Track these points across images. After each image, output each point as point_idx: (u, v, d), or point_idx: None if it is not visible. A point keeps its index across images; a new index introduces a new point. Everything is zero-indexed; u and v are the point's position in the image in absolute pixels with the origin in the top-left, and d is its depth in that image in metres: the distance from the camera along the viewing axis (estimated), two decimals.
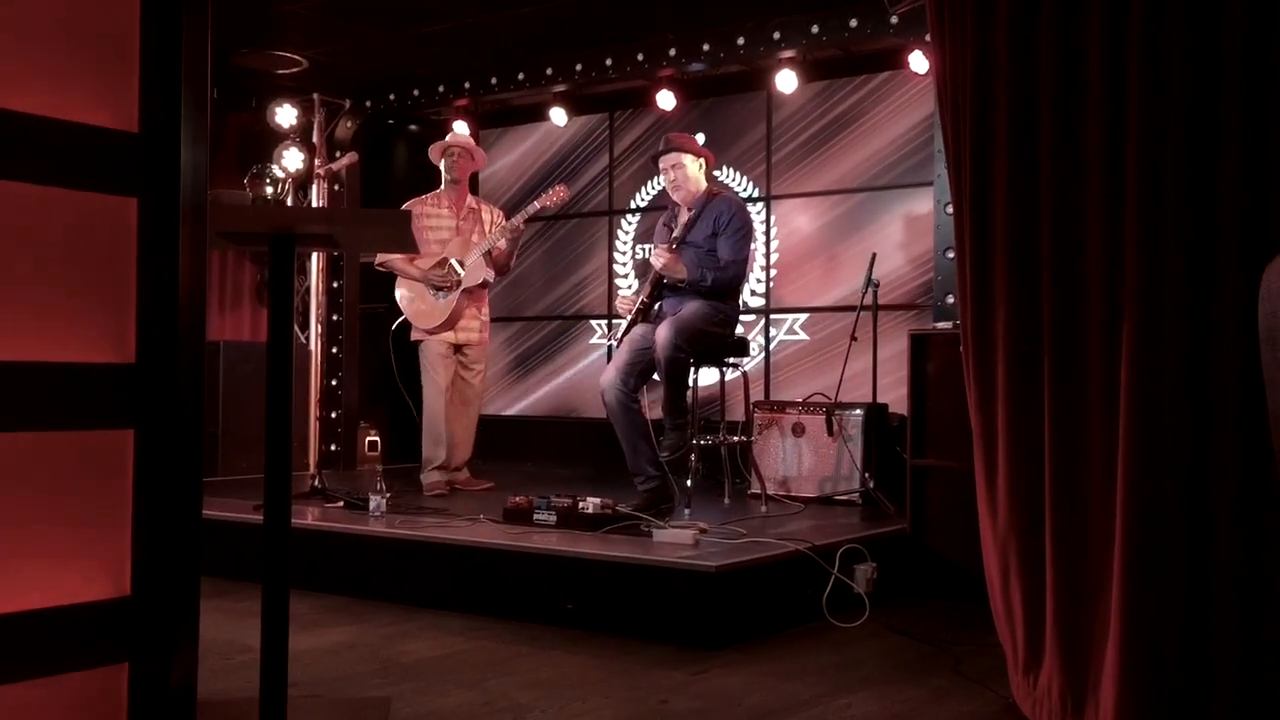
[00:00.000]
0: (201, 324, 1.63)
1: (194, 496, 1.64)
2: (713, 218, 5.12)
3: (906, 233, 6.65)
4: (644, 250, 7.23)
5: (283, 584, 2.48)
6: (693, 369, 5.11)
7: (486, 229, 6.00)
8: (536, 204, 5.78)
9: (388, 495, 5.02)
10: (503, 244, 5.84)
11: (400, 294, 5.92)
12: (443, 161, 6.04)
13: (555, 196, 5.80)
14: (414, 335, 5.94)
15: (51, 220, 1.49)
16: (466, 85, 7.26)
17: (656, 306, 5.18)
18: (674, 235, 5.14)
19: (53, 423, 1.50)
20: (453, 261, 5.81)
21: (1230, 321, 2.45)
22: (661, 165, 5.31)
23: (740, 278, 5.21)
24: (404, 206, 5.93)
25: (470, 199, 6.10)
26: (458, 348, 5.94)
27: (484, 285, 5.93)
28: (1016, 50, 2.88)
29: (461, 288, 5.80)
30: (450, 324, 5.83)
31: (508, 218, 6.05)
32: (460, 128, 7.20)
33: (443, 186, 6.05)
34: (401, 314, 5.95)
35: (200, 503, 1.65)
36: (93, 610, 1.53)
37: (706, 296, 5.05)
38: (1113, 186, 2.67)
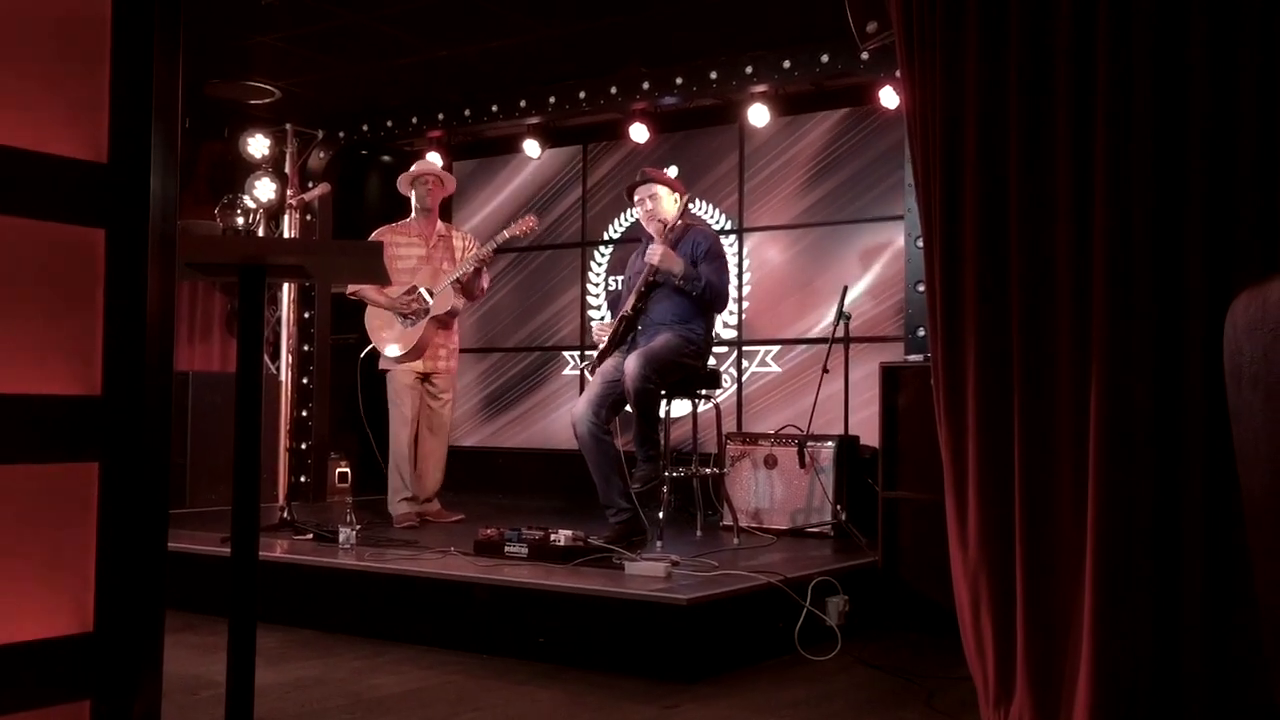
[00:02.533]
0: (169, 356, 1.62)
1: (159, 530, 1.61)
2: (689, 247, 5.15)
3: (878, 265, 6.69)
4: (616, 282, 7.23)
5: (250, 618, 2.45)
6: (664, 401, 5.12)
7: (457, 255, 6.00)
8: (506, 233, 5.78)
9: (357, 527, 4.98)
10: (471, 272, 5.84)
11: (368, 322, 5.90)
12: (414, 191, 6.03)
13: (524, 226, 5.80)
14: (381, 364, 5.91)
15: (16, 251, 1.48)
16: (440, 116, 7.27)
17: (630, 337, 5.17)
18: (658, 240, 5.09)
19: (15, 456, 1.47)
20: (421, 290, 5.79)
21: (1198, 360, 2.49)
22: (637, 196, 5.34)
23: (725, 298, 5.24)
24: (373, 235, 5.92)
25: (440, 226, 6.09)
26: (425, 377, 5.91)
27: (452, 314, 5.91)
28: (985, 88, 2.91)
29: (429, 316, 5.78)
30: (417, 353, 5.81)
31: (481, 244, 6.05)
32: (433, 159, 7.21)
33: (413, 214, 6.05)
34: (370, 342, 5.93)
35: (166, 537, 1.63)
36: (54, 646, 1.50)
37: (699, 306, 5.08)
38: (1081, 225, 2.70)
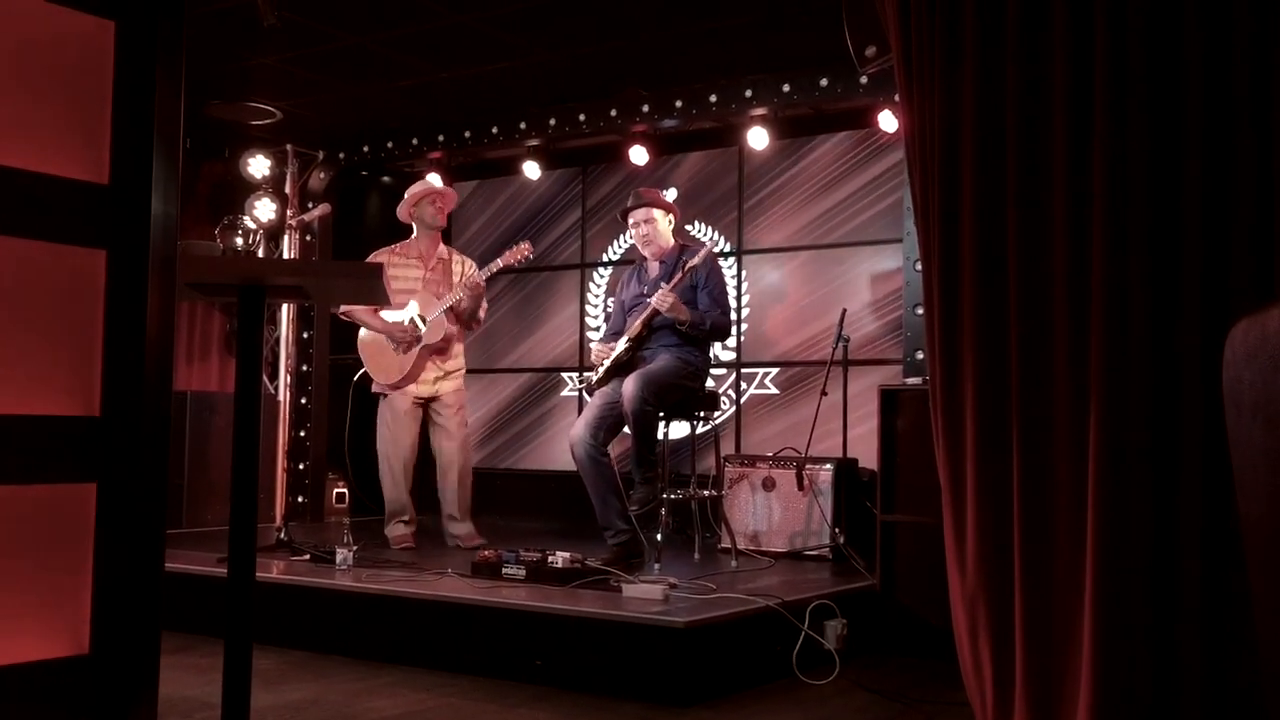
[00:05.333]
0: (168, 377, 1.62)
1: (156, 552, 1.61)
2: (689, 275, 5.14)
3: (877, 288, 6.70)
4: (613, 302, 7.24)
5: (246, 639, 2.44)
6: (662, 423, 5.11)
7: (456, 280, 5.92)
8: (500, 261, 5.69)
9: (354, 548, 4.96)
10: (464, 300, 5.73)
11: (361, 346, 5.86)
12: (424, 211, 5.89)
13: (519, 254, 5.72)
14: (375, 388, 5.86)
15: (17, 271, 1.48)
16: (440, 138, 7.29)
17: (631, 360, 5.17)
18: (668, 285, 5.06)
19: (14, 477, 1.47)
20: (415, 316, 5.74)
21: (1195, 383, 2.49)
22: (631, 220, 5.33)
23: (728, 332, 5.27)
24: (371, 256, 5.89)
25: (442, 249, 6.00)
26: (427, 402, 5.85)
27: (445, 341, 5.77)
28: (982, 112, 2.93)
29: (421, 344, 5.71)
30: (410, 379, 5.73)
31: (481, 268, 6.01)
32: (434, 180, 7.22)
33: (414, 235, 5.96)
34: (363, 366, 5.89)
35: (162, 558, 1.63)
36: (50, 669, 1.50)
37: (700, 340, 5.09)
38: (1078, 249, 2.71)
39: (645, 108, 6.58)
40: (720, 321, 5.10)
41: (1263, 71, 2.51)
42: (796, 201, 7.03)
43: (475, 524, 5.91)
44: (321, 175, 7.70)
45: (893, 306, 6.46)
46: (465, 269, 5.99)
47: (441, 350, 5.83)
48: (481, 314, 5.97)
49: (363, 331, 5.85)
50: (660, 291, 5.01)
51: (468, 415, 6.13)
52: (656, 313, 5.04)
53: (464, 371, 6.04)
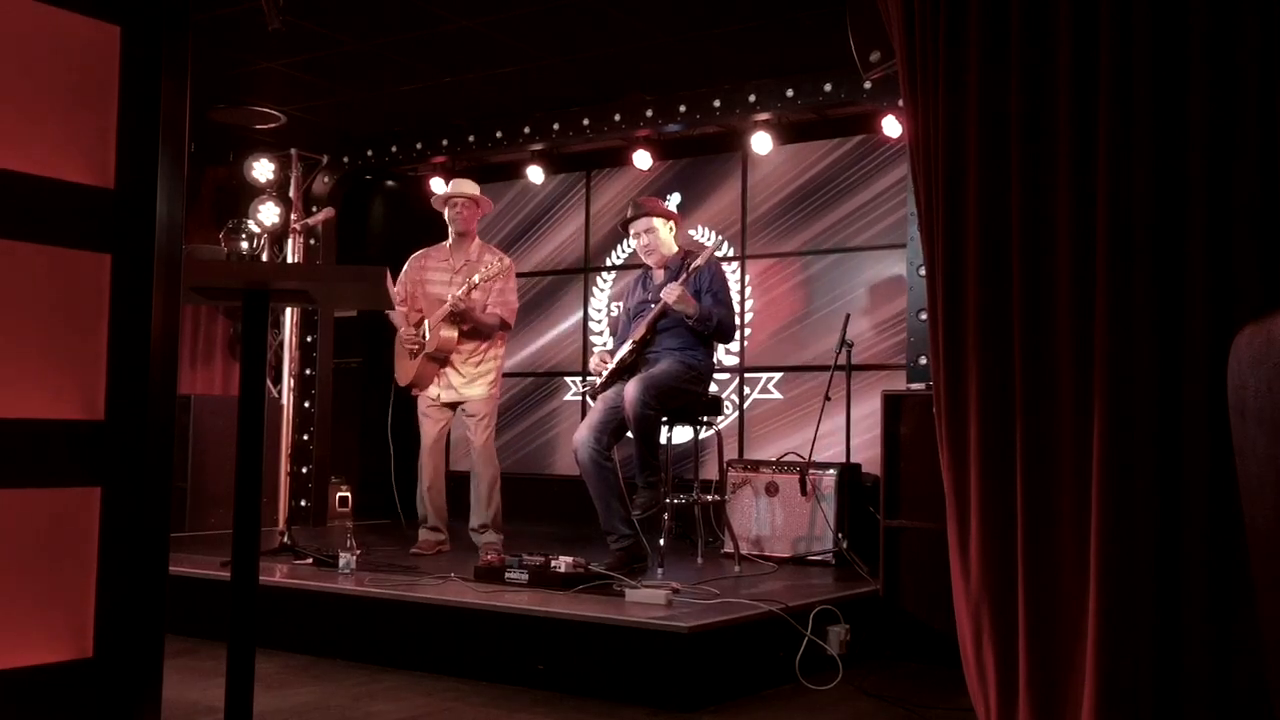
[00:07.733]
0: (173, 382, 1.62)
1: (160, 555, 1.61)
2: (693, 277, 5.15)
3: (880, 293, 6.70)
4: (618, 308, 7.25)
5: (249, 643, 2.44)
6: (665, 427, 5.11)
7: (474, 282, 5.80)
8: (476, 276, 5.55)
9: (357, 552, 4.97)
10: (449, 312, 5.55)
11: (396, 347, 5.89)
12: (449, 212, 5.83)
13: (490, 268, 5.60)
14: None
15: (23, 275, 1.48)
16: (444, 142, 7.30)
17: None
18: (678, 282, 5.05)
19: (18, 480, 1.47)
20: (426, 323, 5.70)
21: (1200, 389, 2.49)
22: (633, 230, 5.32)
23: (733, 333, 5.27)
24: (408, 260, 5.88)
25: (473, 249, 5.82)
26: (454, 405, 5.76)
27: (444, 349, 5.60)
28: (987, 117, 2.93)
29: (424, 353, 5.64)
30: (420, 383, 5.71)
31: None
32: (438, 185, 7.23)
33: (450, 239, 5.90)
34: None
35: (167, 562, 1.63)
36: (53, 672, 1.50)
37: (706, 339, 5.11)
38: (1082, 254, 2.71)
39: (649, 112, 6.59)
40: (726, 320, 5.11)
41: (1269, 71, 2.50)
42: (800, 207, 7.03)
43: (500, 533, 5.76)
44: (325, 179, 7.72)
45: (898, 313, 6.45)
46: (487, 268, 5.68)
47: (465, 354, 5.68)
48: (499, 321, 5.69)
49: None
50: (669, 285, 5.01)
51: (493, 422, 5.86)
52: (663, 314, 5.04)
53: (495, 376, 5.81)
